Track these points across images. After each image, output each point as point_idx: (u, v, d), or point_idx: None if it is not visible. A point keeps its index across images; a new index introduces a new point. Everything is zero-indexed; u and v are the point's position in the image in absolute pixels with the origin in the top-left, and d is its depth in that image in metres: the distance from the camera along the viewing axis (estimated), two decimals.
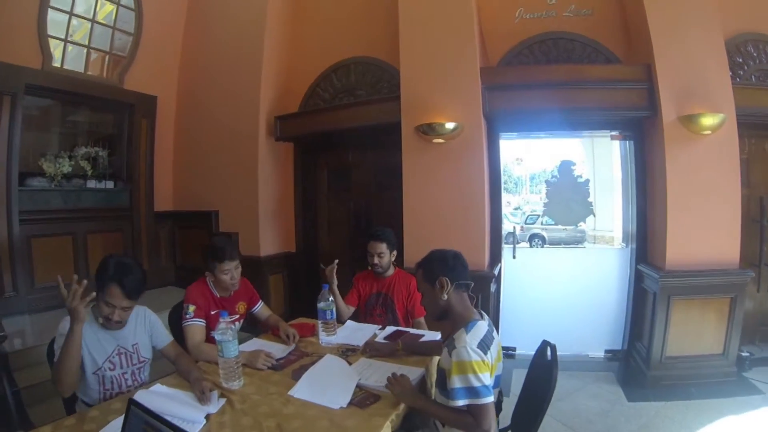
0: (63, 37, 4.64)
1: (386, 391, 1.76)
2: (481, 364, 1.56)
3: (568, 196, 4.13)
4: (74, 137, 5.10)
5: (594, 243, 4.46)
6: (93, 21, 4.89)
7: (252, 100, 4.82)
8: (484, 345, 1.62)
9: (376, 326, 2.74)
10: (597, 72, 3.69)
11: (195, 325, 2.31)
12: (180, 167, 5.79)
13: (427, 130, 3.64)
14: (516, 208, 4.70)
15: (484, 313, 1.81)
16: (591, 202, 4.08)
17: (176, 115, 5.79)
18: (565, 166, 4.18)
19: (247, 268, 2.63)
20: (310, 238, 5.17)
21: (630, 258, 3.97)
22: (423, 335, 2.54)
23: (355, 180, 4.88)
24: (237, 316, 2.54)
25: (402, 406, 1.71)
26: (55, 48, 4.57)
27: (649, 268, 3.61)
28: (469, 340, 1.60)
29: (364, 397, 1.77)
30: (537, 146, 4.50)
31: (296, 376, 1.95)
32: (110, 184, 5.10)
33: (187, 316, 2.32)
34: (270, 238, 4.93)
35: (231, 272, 2.44)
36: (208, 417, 1.61)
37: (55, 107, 5.00)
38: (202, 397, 1.69)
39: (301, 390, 1.80)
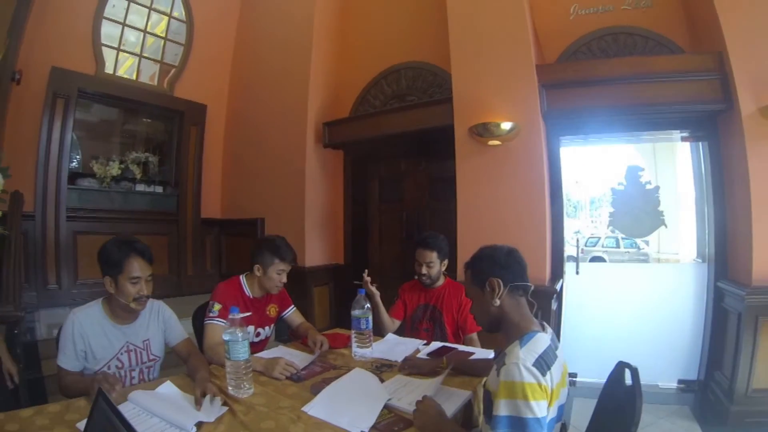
0: (116, 46, 4.81)
1: None
2: (536, 387, 1.19)
3: (636, 205, 3.72)
4: (131, 145, 5.29)
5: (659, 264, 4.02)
6: (145, 32, 5.06)
7: (300, 108, 4.77)
8: (543, 363, 1.24)
9: (419, 341, 2.46)
10: (663, 63, 3.32)
11: (216, 325, 2.14)
12: (229, 175, 5.83)
13: (482, 131, 3.39)
14: (576, 232, 4.31)
15: (546, 324, 1.46)
16: (662, 212, 3.65)
17: (226, 123, 5.87)
18: (632, 173, 3.78)
19: (291, 278, 2.49)
20: (359, 250, 4.99)
21: (707, 274, 3.48)
22: (473, 353, 2.21)
23: (408, 190, 4.69)
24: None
25: None
26: (109, 56, 4.73)
27: (731, 285, 3.13)
28: (524, 355, 1.24)
29: (391, 422, 1.48)
30: (598, 156, 4.09)
31: (315, 390, 1.70)
32: (159, 189, 5.21)
33: (211, 314, 2.17)
34: (316, 249, 4.80)
35: (284, 274, 2.35)
36: (200, 425, 1.40)
37: (116, 117, 5.24)
38: (200, 401, 1.49)
39: (318, 407, 1.54)
